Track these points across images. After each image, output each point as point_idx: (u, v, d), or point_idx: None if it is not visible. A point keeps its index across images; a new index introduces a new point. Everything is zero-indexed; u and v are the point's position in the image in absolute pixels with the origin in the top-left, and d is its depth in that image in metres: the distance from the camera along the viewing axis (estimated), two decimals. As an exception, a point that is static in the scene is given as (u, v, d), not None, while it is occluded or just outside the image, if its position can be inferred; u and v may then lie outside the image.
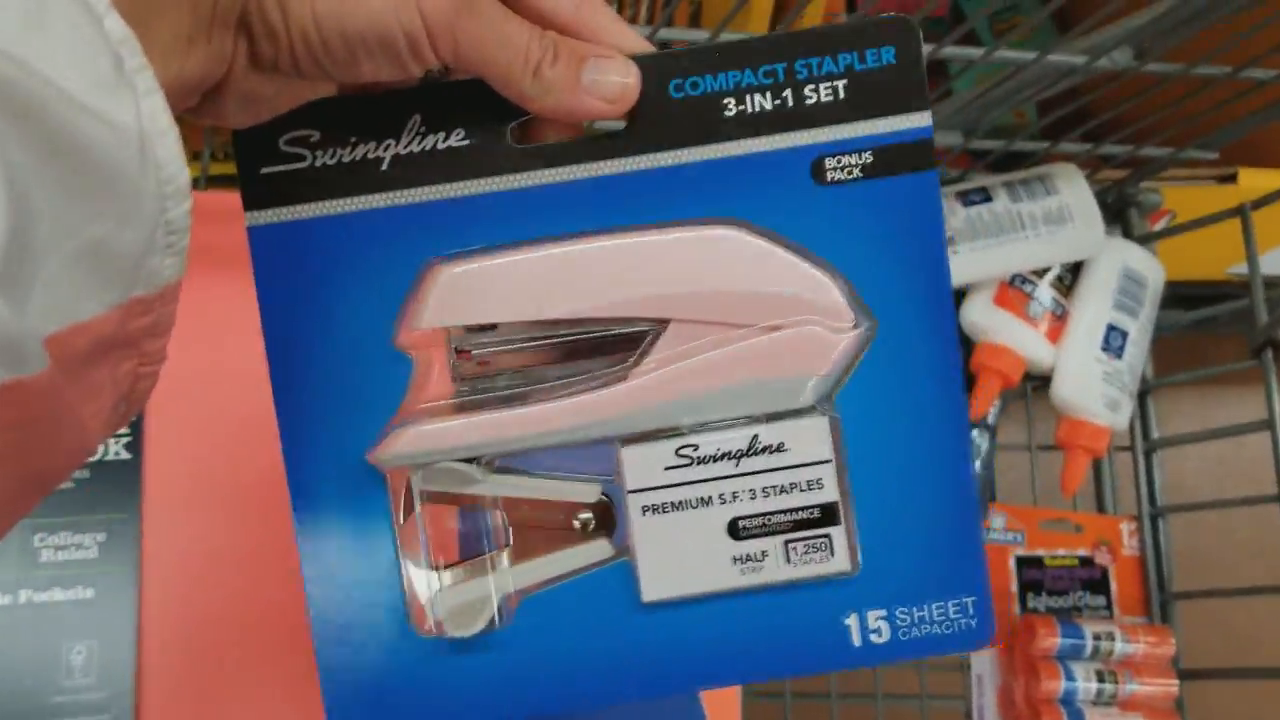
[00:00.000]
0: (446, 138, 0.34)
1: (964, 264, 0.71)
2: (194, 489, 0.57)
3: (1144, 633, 0.70)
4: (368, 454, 0.35)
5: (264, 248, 0.35)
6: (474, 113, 0.34)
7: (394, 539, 0.36)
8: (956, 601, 0.37)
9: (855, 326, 0.35)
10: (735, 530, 0.36)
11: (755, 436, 0.35)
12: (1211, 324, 1.31)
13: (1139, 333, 0.74)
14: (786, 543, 0.36)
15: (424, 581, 0.36)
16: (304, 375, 0.35)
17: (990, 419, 0.74)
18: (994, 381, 0.72)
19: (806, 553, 0.36)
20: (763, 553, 0.36)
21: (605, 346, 0.36)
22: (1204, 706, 0.72)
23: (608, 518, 0.36)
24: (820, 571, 0.36)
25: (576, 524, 0.36)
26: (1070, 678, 0.67)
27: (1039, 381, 0.76)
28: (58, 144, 0.24)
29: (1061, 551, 0.73)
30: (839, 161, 0.35)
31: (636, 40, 0.34)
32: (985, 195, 0.73)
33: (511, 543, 0.36)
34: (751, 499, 0.36)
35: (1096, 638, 0.69)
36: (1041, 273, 0.74)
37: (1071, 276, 0.75)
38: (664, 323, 0.35)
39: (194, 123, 0.32)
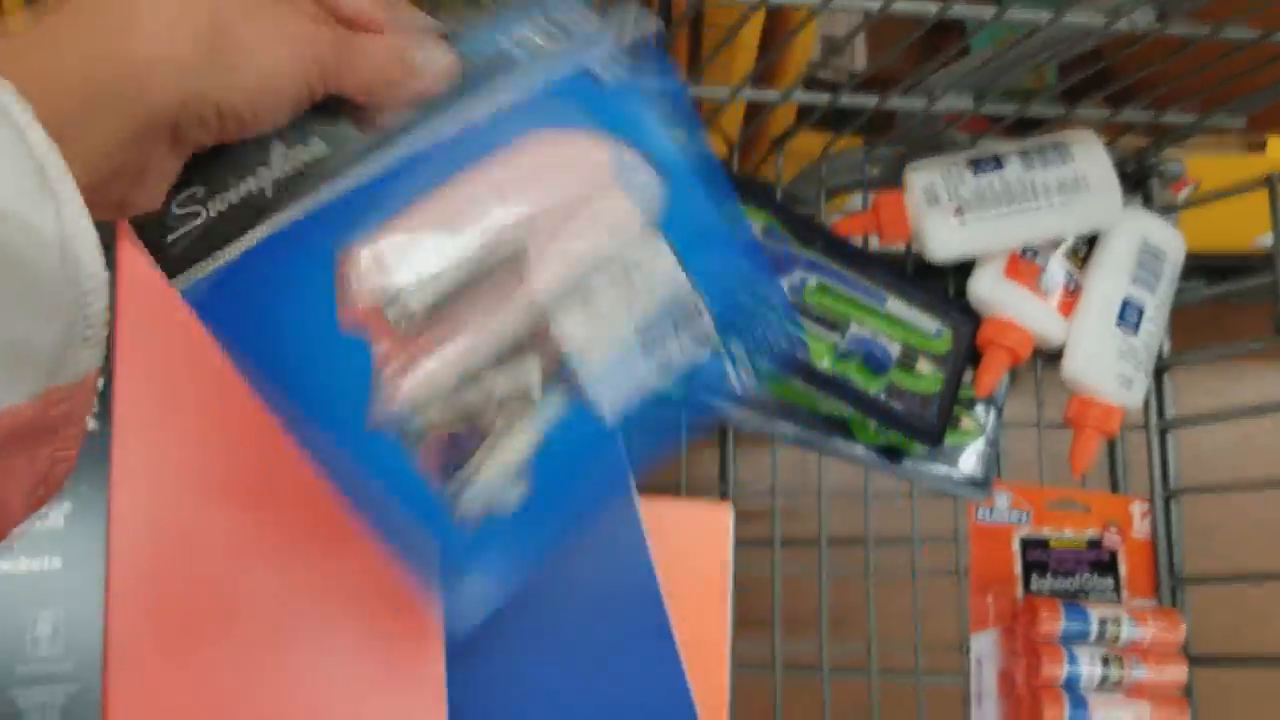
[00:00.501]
0: (308, 149, 0.40)
1: (972, 235, 0.69)
2: (162, 459, 0.55)
3: (1153, 617, 0.67)
4: (374, 416, 0.42)
5: (202, 303, 0.39)
6: (320, 122, 0.40)
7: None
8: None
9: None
10: (643, 341, 0.46)
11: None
12: (1236, 296, 1.28)
13: (1156, 308, 0.70)
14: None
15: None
16: (290, 383, 0.42)
17: (998, 397, 0.72)
18: (1001, 358, 0.69)
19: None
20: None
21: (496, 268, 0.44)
22: (1215, 687, 0.69)
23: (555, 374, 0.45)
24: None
25: (536, 389, 0.45)
26: (1074, 662, 0.65)
27: (1049, 357, 0.73)
28: (65, 253, 0.28)
29: (1069, 532, 0.71)
30: (610, 67, 0.45)
31: (426, 17, 0.41)
32: (997, 163, 0.70)
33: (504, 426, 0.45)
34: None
35: (1102, 622, 0.66)
36: (1055, 244, 0.71)
37: (1086, 248, 0.72)
38: (534, 220, 0.44)
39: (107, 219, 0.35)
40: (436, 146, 0.43)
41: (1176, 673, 0.67)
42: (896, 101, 0.69)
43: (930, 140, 0.75)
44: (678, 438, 0.62)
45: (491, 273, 0.45)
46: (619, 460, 0.49)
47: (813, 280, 0.68)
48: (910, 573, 0.71)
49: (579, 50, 0.45)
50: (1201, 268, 1.25)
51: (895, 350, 0.68)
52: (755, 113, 0.76)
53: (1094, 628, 0.66)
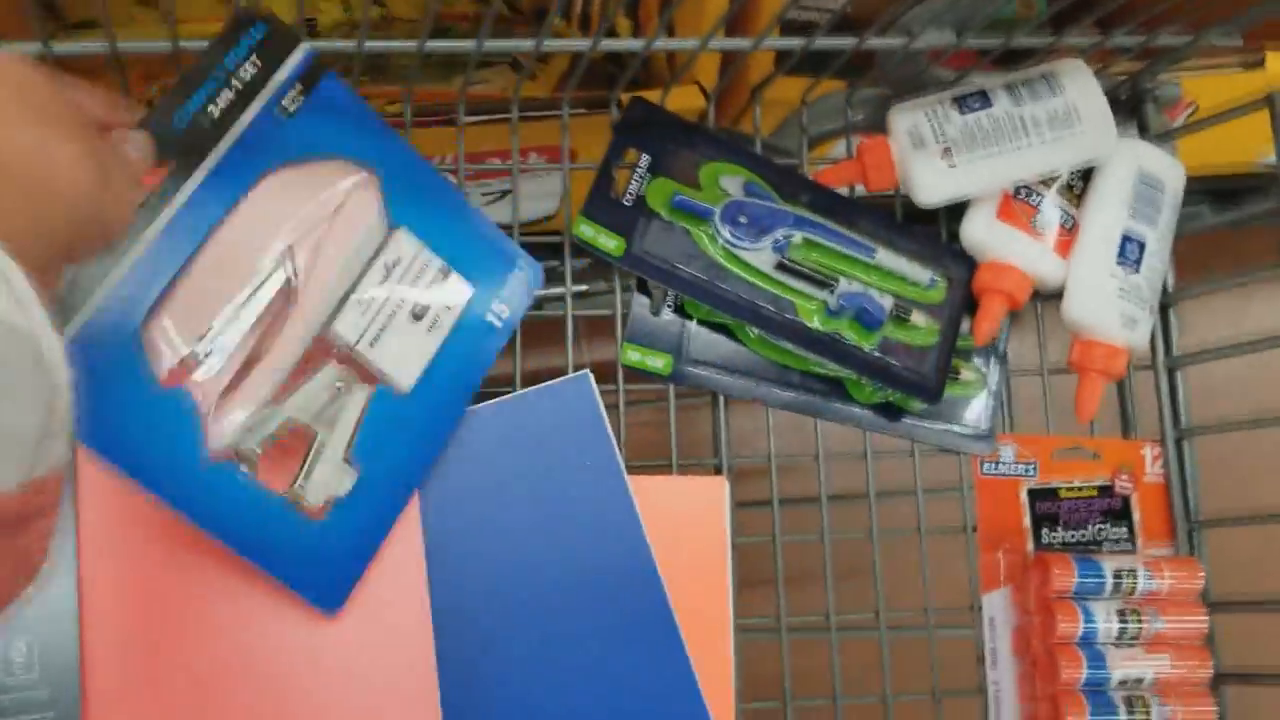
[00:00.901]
0: None
1: (962, 177, 0.65)
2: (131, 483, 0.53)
3: (1169, 566, 0.65)
4: (209, 454, 0.53)
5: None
6: None
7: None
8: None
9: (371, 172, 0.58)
10: (415, 315, 0.58)
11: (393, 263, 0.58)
12: (1242, 221, 1.25)
13: (1158, 241, 0.67)
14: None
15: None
16: (125, 448, 0.52)
17: (998, 345, 0.69)
18: (999, 303, 0.66)
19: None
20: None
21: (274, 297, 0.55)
22: (1239, 632, 0.67)
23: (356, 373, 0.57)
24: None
25: (339, 386, 0.56)
26: (1089, 618, 0.63)
27: (1049, 299, 0.70)
28: (31, 349, 0.32)
29: (1078, 481, 0.68)
30: (288, 101, 0.57)
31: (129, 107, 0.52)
32: (984, 99, 0.66)
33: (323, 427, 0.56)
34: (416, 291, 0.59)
35: (1117, 575, 0.64)
36: (1048, 181, 0.67)
37: (1082, 183, 0.69)
38: (289, 250, 0.56)
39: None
40: (182, 213, 0.53)
41: (1197, 622, 0.64)
42: (875, 41, 0.66)
43: (913, 79, 0.72)
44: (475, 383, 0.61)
45: (271, 302, 0.55)
46: (434, 419, 0.58)
47: (798, 236, 0.65)
48: (916, 530, 0.68)
49: (265, 95, 0.56)
50: (1205, 190, 1.22)
51: (888, 304, 0.65)
52: (731, 62, 0.73)
53: (1109, 581, 0.64)
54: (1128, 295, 0.66)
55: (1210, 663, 0.64)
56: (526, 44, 0.63)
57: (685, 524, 0.61)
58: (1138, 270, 0.66)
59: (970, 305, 0.68)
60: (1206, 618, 0.65)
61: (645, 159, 0.64)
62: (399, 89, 0.67)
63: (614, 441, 0.61)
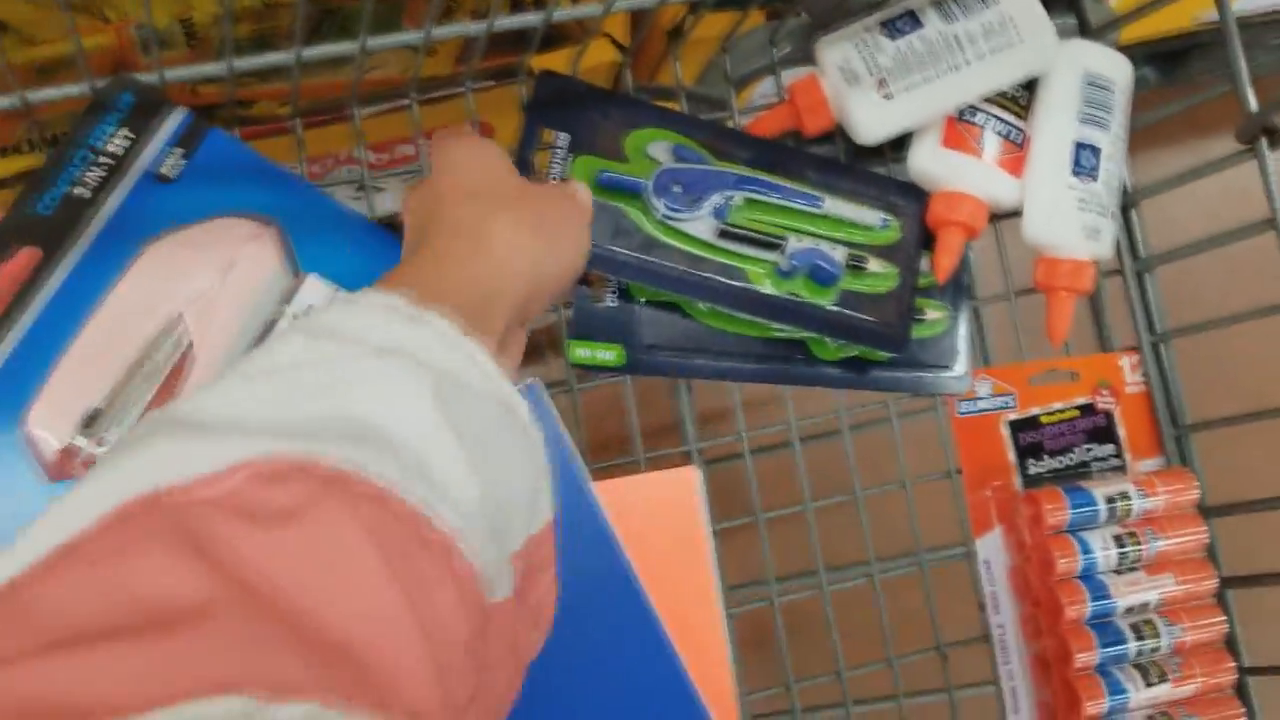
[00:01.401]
0: None
1: (902, 109, 0.62)
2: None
3: (1161, 481, 0.63)
4: None
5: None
6: None
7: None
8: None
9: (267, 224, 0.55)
10: None
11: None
12: (1186, 77, 1.21)
13: (1112, 144, 0.64)
14: None
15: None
16: None
17: (961, 278, 0.66)
18: (956, 235, 0.63)
19: None
20: None
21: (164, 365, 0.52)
22: (1240, 537, 0.65)
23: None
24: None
25: None
26: (1087, 550, 0.61)
27: (1008, 218, 0.67)
28: (515, 417, 0.37)
29: (1058, 405, 0.66)
30: (167, 168, 0.54)
31: None
32: (914, 21, 0.62)
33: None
34: None
35: (1110, 500, 0.62)
36: (991, 99, 0.64)
37: (1027, 94, 0.65)
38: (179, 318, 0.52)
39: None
40: (57, 299, 0.51)
41: (1196, 535, 0.63)
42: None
43: (838, 6, 0.67)
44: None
45: (165, 374, 0.52)
46: None
47: (738, 197, 0.61)
48: (900, 485, 0.66)
49: (140, 165, 0.54)
50: (1147, 56, 1.18)
51: (841, 255, 0.61)
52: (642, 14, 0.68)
53: (1102, 509, 0.62)
54: (1087, 205, 0.63)
55: (1214, 574, 0.63)
56: (413, 36, 0.58)
57: (660, 522, 0.58)
58: (1095, 178, 0.63)
59: (927, 241, 0.64)
60: (1205, 529, 0.63)
61: (563, 138, 0.60)
62: (288, 88, 0.62)
63: (573, 448, 0.58)
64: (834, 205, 0.63)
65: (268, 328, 0.53)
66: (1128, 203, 0.68)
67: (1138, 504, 0.62)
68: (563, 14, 0.60)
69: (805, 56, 0.67)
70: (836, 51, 0.63)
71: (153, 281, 0.52)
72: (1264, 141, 0.59)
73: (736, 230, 0.60)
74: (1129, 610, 0.61)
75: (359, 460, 0.31)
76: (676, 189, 0.60)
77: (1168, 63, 1.21)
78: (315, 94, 0.67)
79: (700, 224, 0.60)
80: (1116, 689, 0.60)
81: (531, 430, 0.37)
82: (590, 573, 0.57)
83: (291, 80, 0.60)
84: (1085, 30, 0.69)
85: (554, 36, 0.75)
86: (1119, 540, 0.61)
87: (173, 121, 0.55)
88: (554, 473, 0.57)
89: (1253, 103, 0.59)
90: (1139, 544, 0.62)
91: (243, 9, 0.67)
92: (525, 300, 0.44)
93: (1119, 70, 0.65)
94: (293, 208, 0.55)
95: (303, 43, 0.56)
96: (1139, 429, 0.67)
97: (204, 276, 0.53)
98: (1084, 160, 0.63)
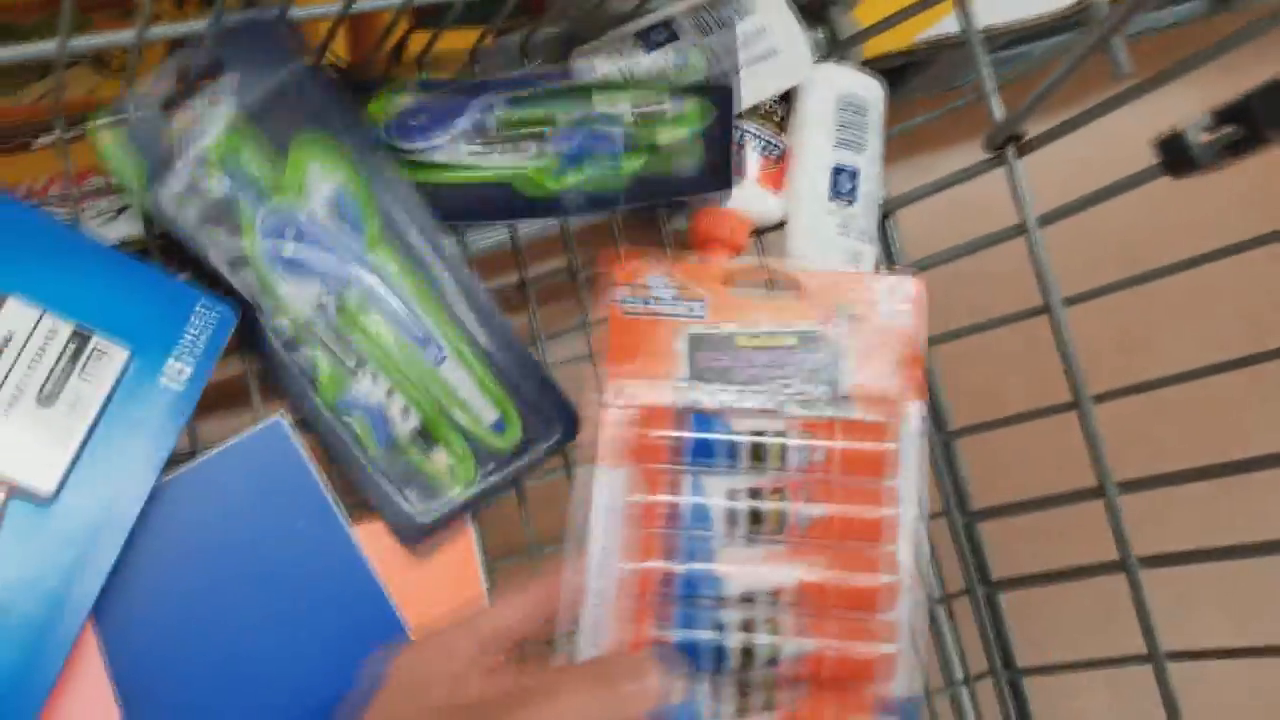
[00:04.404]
0: None
1: (661, 124, 0.59)
2: None
3: (847, 434, 0.50)
4: None
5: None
6: None
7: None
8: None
9: None
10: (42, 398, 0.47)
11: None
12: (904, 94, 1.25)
13: (868, 163, 0.64)
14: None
15: None
16: None
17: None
18: (721, 254, 0.62)
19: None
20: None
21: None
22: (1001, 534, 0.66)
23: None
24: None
25: None
26: (702, 509, 0.47)
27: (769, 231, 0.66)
28: None
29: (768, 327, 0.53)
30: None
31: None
32: (669, 32, 0.60)
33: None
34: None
35: (757, 447, 0.49)
36: (746, 113, 0.63)
37: (783, 106, 0.64)
38: None
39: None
40: None
41: (873, 514, 0.49)
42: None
43: (592, 14, 0.65)
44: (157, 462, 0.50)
45: None
46: (98, 520, 0.47)
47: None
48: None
49: None
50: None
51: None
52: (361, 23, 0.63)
53: (744, 455, 0.49)
54: (847, 229, 0.63)
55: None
56: (125, 35, 0.51)
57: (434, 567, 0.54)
58: (853, 201, 0.63)
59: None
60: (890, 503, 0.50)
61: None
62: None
63: (324, 487, 0.52)
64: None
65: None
66: (883, 212, 0.69)
67: (800, 456, 0.49)
68: (303, 13, 0.54)
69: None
70: (583, 67, 0.60)
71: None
72: (1012, 149, 0.61)
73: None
74: (748, 598, 0.46)
75: None
76: (289, 234, 0.52)
77: (891, 75, 1.25)
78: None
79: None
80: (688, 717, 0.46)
81: None
82: (355, 612, 0.52)
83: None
84: (834, 39, 0.69)
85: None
86: (755, 496, 0.48)
87: None
88: (309, 515, 0.52)
89: (999, 111, 0.60)
90: (783, 511, 0.48)
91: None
92: None
93: (872, 92, 0.65)
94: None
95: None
96: (871, 372, 0.53)
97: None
98: (841, 185, 0.63)
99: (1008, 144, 0.61)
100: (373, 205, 0.53)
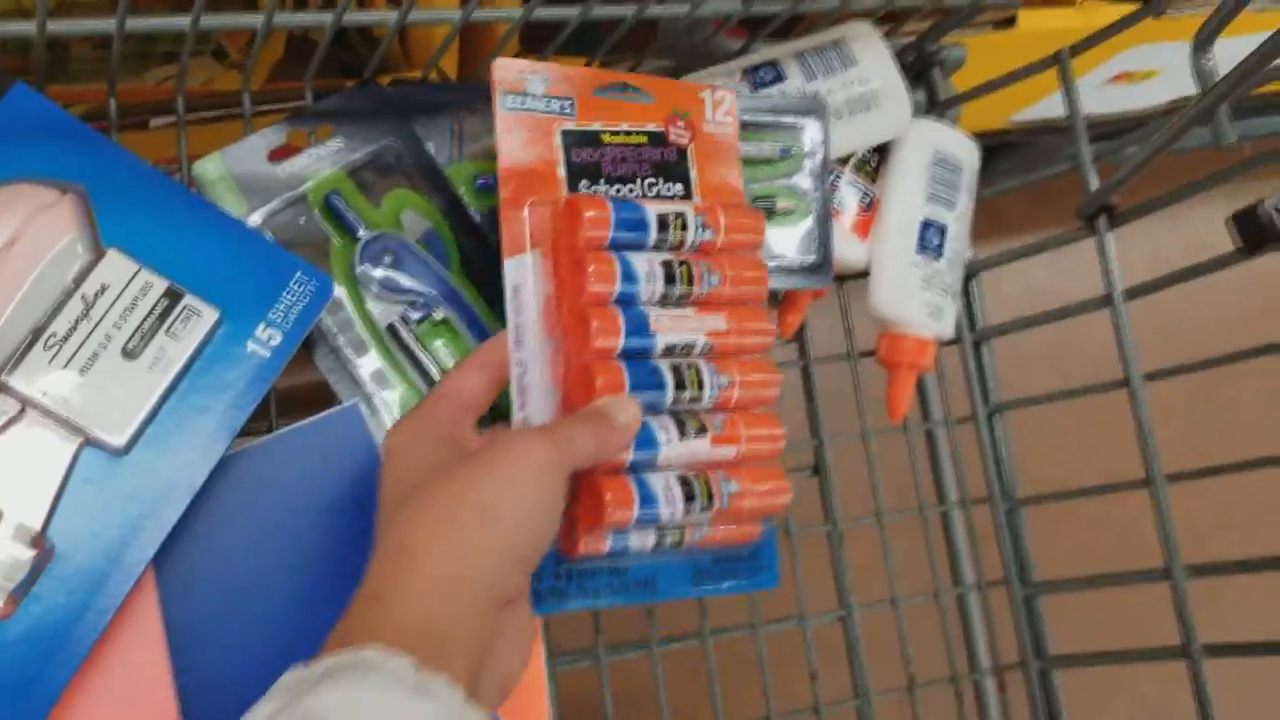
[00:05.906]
0: None
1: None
2: None
3: (727, 216, 0.53)
4: None
5: None
6: None
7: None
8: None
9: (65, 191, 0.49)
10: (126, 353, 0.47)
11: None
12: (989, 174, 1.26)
13: (958, 223, 0.64)
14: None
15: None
16: None
17: (816, 162, 0.61)
18: (803, 298, 0.62)
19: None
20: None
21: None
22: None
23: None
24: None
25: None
26: (629, 274, 0.50)
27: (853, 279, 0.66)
28: None
29: (625, 126, 0.54)
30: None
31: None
32: (776, 73, 0.61)
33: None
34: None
35: (663, 221, 0.51)
36: (843, 160, 0.63)
37: (876, 157, 0.65)
38: None
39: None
40: None
41: (756, 279, 0.53)
42: (656, 9, 0.59)
43: (698, 50, 0.66)
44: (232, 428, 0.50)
45: None
46: (165, 478, 0.47)
47: (437, 312, 0.57)
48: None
49: None
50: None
51: None
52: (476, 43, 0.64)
53: (652, 229, 0.51)
54: (931, 285, 0.63)
55: (773, 329, 0.54)
56: (252, 19, 0.53)
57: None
58: (939, 257, 0.63)
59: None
60: (766, 273, 0.54)
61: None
62: (82, 88, 0.56)
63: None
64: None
65: (55, 310, 0.47)
66: (969, 274, 0.69)
67: (695, 233, 0.52)
68: (417, 16, 0.55)
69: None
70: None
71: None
72: (1104, 220, 0.61)
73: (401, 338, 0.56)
74: (670, 350, 0.51)
75: None
76: (386, 259, 0.56)
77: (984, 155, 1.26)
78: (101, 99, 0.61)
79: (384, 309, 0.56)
80: (646, 438, 0.49)
81: None
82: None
83: (85, 79, 0.53)
84: (932, 100, 0.70)
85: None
86: (668, 268, 0.51)
87: None
88: (369, 497, 0.52)
89: (1094, 182, 0.61)
90: (691, 278, 0.51)
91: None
92: (499, 590, 0.41)
93: (967, 153, 0.66)
94: (101, 174, 0.49)
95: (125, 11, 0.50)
96: (712, 174, 0.56)
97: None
98: (929, 239, 0.63)
99: (1099, 214, 0.61)
100: (455, 243, 0.58)
